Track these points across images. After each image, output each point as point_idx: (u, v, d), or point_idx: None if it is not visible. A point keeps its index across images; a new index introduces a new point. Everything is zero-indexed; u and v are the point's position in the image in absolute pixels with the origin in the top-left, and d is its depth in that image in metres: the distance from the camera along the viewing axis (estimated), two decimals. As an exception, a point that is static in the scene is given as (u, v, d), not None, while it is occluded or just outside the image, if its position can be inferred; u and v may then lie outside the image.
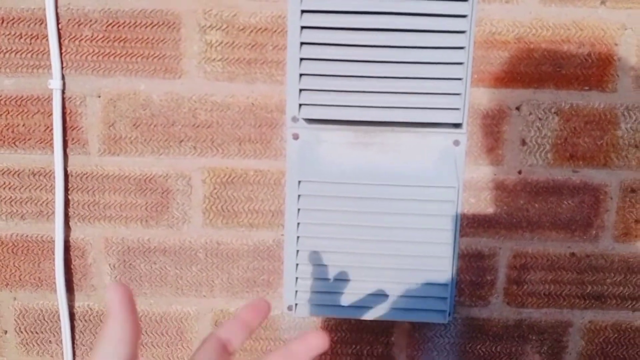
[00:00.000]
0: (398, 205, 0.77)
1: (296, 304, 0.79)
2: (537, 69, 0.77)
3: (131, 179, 0.82)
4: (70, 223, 0.83)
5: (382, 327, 0.85)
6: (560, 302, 0.83)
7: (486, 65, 0.77)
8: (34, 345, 0.87)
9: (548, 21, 0.76)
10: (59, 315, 0.84)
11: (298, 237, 0.77)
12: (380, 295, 0.79)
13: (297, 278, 0.78)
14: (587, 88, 0.77)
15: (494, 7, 0.75)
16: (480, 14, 0.75)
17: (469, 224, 0.82)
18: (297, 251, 0.77)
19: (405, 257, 0.78)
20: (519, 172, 0.80)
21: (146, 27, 0.77)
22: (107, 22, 0.77)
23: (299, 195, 0.77)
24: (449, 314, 0.78)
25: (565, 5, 0.75)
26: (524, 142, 0.79)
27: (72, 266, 0.84)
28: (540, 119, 0.78)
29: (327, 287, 0.79)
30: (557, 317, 0.84)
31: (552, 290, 0.83)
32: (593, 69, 0.77)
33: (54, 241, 0.83)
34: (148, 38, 0.78)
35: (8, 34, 0.78)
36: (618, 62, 0.77)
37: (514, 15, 0.76)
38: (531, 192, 0.81)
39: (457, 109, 0.74)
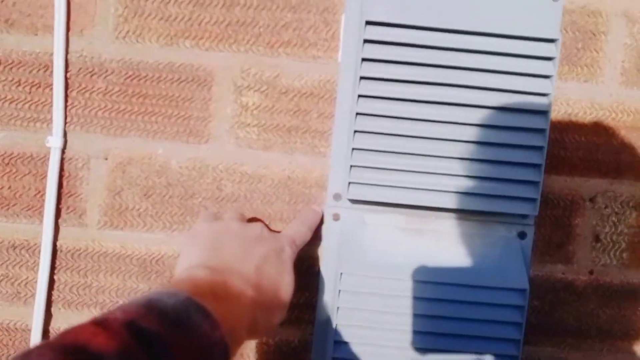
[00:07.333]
0: (459, 309, 0.64)
1: None
2: (615, 157, 0.68)
3: (134, 258, 0.68)
4: (52, 309, 0.68)
5: None
6: None
7: (560, 150, 0.68)
8: None
9: (630, 105, 0.68)
10: None
11: (335, 341, 0.64)
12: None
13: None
14: (668, 181, 0.69)
15: (571, 86, 0.67)
16: (556, 92, 0.67)
17: (531, 330, 0.70)
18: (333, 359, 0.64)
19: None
20: (590, 273, 0.70)
21: (172, 83, 0.66)
22: (126, 74, 0.65)
23: (339, 290, 0.64)
24: None
25: (646, 89, 0.68)
26: (597, 239, 0.69)
27: (50, 364, 0.68)
28: (616, 213, 0.69)
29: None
30: None
31: (627, 414, 0.71)
32: (675, 160, 0.69)
33: (30, 330, 0.67)
34: (173, 95, 0.66)
35: (4, 80, 0.65)
36: (701, 154, 0.69)
37: (593, 96, 0.67)
38: (603, 296, 0.70)
39: (533, 199, 0.64)
